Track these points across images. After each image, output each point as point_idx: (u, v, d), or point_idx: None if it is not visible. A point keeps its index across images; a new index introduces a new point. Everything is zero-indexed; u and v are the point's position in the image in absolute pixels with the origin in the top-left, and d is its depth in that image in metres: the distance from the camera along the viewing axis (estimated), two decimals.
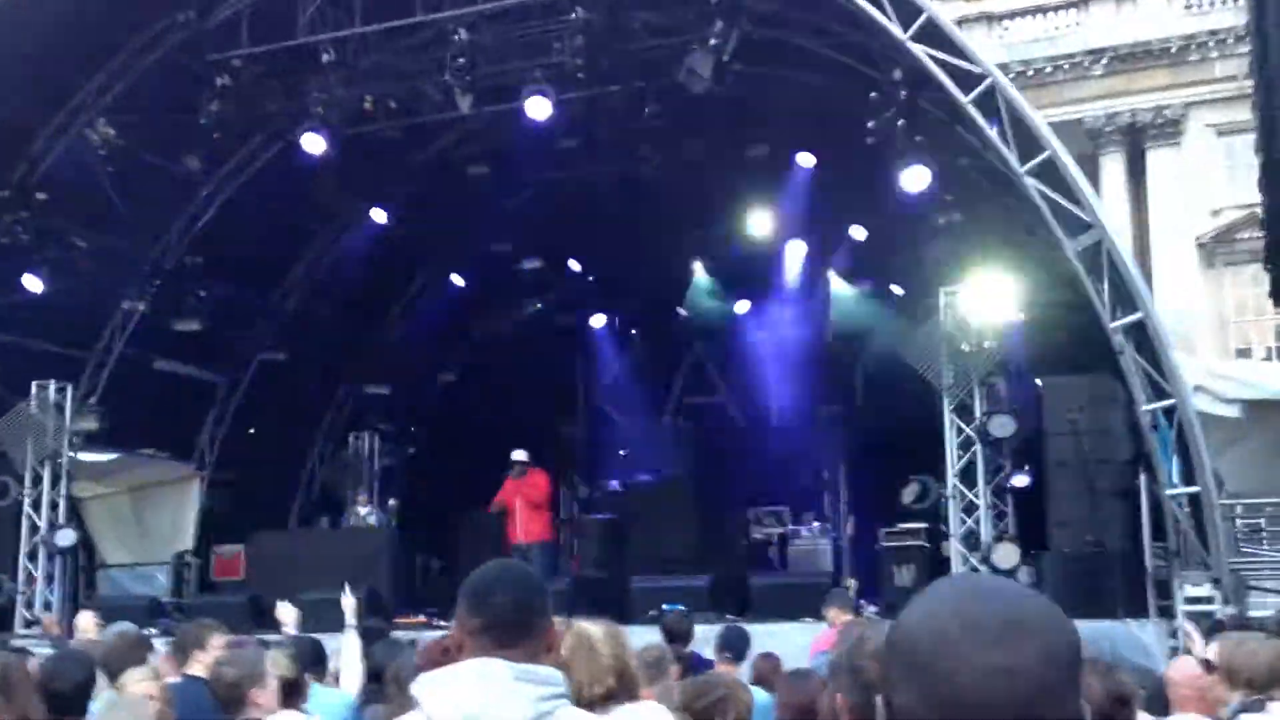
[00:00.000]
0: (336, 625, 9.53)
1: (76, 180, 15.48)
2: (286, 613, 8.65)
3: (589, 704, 3.23)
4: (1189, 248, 27.92)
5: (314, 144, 15.25)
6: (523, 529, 16.47)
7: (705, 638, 9.55)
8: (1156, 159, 28.71)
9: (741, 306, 20.44)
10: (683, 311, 20.83)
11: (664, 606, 11.64)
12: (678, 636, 8.05)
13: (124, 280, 17.24)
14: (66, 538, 15.66)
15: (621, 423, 21.50)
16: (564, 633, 3.29)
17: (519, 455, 16.89)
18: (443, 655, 5.79)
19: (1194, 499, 11.50)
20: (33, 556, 15.62)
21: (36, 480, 15.75)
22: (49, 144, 15.69)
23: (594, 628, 3.53)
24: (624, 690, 3.47)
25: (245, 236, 17.48)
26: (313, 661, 6.42)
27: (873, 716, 1.44)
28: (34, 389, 15.74)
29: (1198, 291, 27.57)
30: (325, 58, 14.66)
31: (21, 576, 15.53)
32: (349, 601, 8.46)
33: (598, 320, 21.65)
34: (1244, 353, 25.37)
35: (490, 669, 2.56)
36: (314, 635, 7.66)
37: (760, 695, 5.11)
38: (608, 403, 21.97)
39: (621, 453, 20.12)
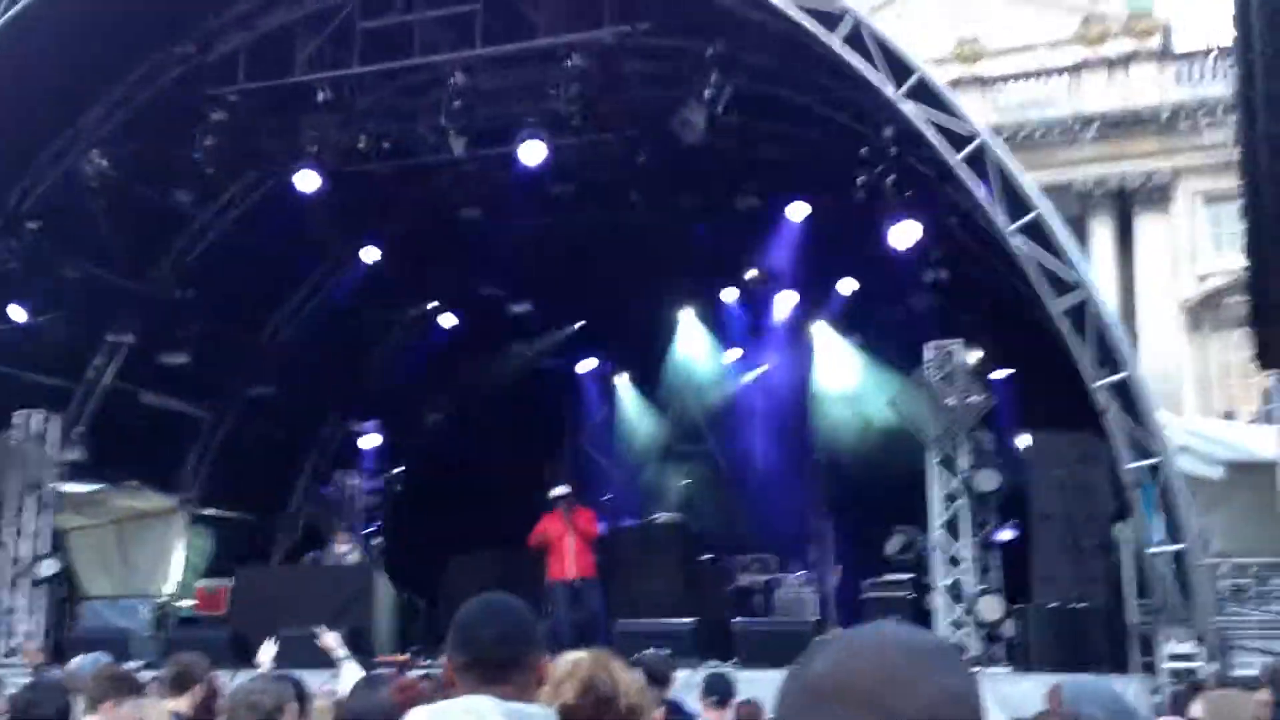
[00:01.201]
0: (319, 662, 9.50)
1: (68, 211, 15.49)
2: (266, 652, 8.63)
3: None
4: (1175, 311, 28.14)
5: (307, 181, 15.32)
6: (577, 564, 15.77)
7: (689, 682, 9.47)
8: (1145, 224, 28.99)
9: (730, 355, 20.51)
10: (666, 360, 20.87)
11: (650, 650, 11.56)
12: (657, 680, 7.92)
13: (112, 312, 17.23)
14: (48, 568, 15.59)
15: (607, 467, 21.50)
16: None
17: (562, 490, 16.11)
18: (411, 693, 5.81)
19: (1178, 557, 11.54)
20: (14, 586, 15.52)
21: (20, 510, 15.67)
22: (42, 174, 15.72)
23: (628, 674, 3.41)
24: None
25: (236, 272, 17.50)
26: (296, 699, 6.41)
27: None
28: (19, 419, 15.69)
29: (1183, 354, 27.77)
30: (321, 96, 14.74)
31: (3, 606, 15.41)
32: (329, 639, 8.43)
33: (586, 365, 21.68)
34: (1229, 415, 25.45)
35: (478, 706, 2.56)
36: (296, 672, 7.64)
37: None
38: (594, 447, 21.96)
39: (606, 497, 20.08)
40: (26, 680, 7.63)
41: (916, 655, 1.38)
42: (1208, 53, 29.22)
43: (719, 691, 7.63)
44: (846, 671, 1.37)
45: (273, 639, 8.79)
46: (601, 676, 3.06)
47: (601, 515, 18.47)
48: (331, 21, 14.64)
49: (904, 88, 12.27)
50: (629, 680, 3.19)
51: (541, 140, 14.53)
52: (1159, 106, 28.82)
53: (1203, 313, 28.00)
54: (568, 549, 15.75)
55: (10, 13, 13.65)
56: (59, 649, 15.25)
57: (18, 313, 15.67)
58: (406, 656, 14.03)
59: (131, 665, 10.10)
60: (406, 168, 16.38)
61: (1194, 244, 28.32)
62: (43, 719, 4.98)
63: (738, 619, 15.08)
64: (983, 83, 30.96)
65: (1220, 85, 27.28)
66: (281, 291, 19.29)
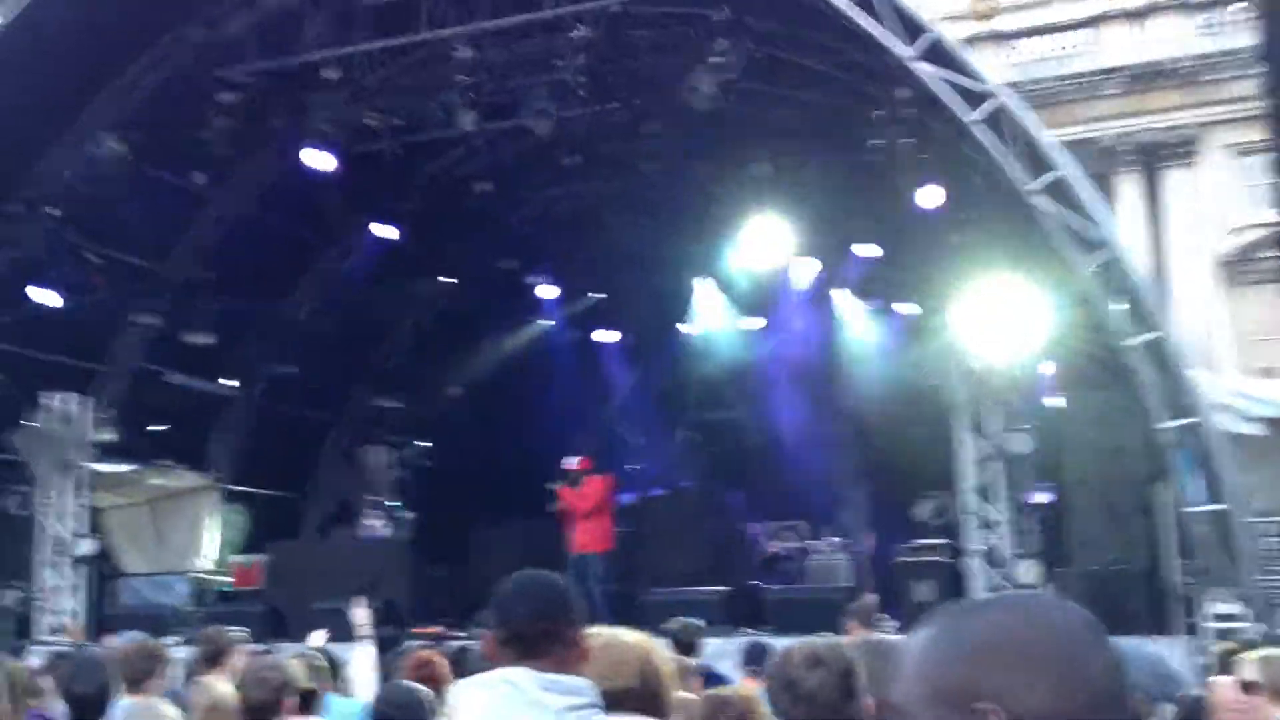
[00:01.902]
0: (352, 635, 9.51)
1: (87, 195, 15.56)
2: (316, 640, 8.61)
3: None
4: (1208, 267, 27.79)
5: (319, 160, 15.30)
6: (576, 539, 15.78)
7: (722, 650, 9.43)
8: (1172, 179, 28.61)
9: (752, 322, 20.39)
10: (685, 329, 20.79)
11: (681, 618, 11.53)
12: (685, 647, 7.89)
13: (135, 294, 17.32)
14: (86, 547, 15.80)
15: (633, 438, 21.47)
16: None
17: (568, 463, 16.08)
18: (424, 667, 5.81)
19: (1219, 517, 11.38)
20: (53, 566, 15.70)
21: (56, 491, 15.83)
22: (59, 159, 15.76)
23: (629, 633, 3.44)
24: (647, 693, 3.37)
25: (254, 251, 17.55)
26: (329, 671, 6.47)
27: None
28: (50, 401, 15.81)
29: (1218, 311, 27.43)
30: (330, 75, 14.70)
31: (43, 586, 15.58)
32: (359, 613, 8.44)
33: (607, 336, 21.63)
34: (1267, 371, 25.15)
35: (517, 678, 2.61)
36: (329, 646, 7.70)
37: None
38: (619, 417, 21.94)
39: (634, 467, 20.06)
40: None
41: (1091, 626, 1.37)
42: (1230, 1, 28.76)
43: (758, 659, 7.59)
44: (1025, 635, 1.34)
45: (324, 630, 8.76)
46: (654, 664, 3.09)
47: (627, 485, 18.41)
48: None
49: (917, 48, 12.09)
50: (671, 666, 3.24)
51: (549, 112, 14.41)
52: (1182, 58, 28.39)
53: (1236, 268, 27.65)
54: (572, 524, 15.79)
55: (20, 2, 13.62)
56: (100, 626, 15.46)
57: (44, 297, 15.81)
58: (439, 629, 14.07)
59: (169, 641, 10.17)
60: (417, 143, 16.33)
61: (1225, 198, 27.93)
62: (84, 695, 5.08)
63: (770, 587, 15.04)
64: (999, 38, 30.56)
65: (1244, 35, 26.86)
66: (299, 269, 19.32)
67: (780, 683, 3.14)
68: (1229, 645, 8.40)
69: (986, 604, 1.45)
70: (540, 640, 2.67)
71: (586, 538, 15.76)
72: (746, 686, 6.25)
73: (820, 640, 3.56)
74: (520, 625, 2.71)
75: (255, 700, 4.89)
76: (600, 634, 3.23)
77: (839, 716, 3.12)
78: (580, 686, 2.61)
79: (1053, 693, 1.31)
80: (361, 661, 7.44)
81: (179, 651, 7.87)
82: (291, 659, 5.89)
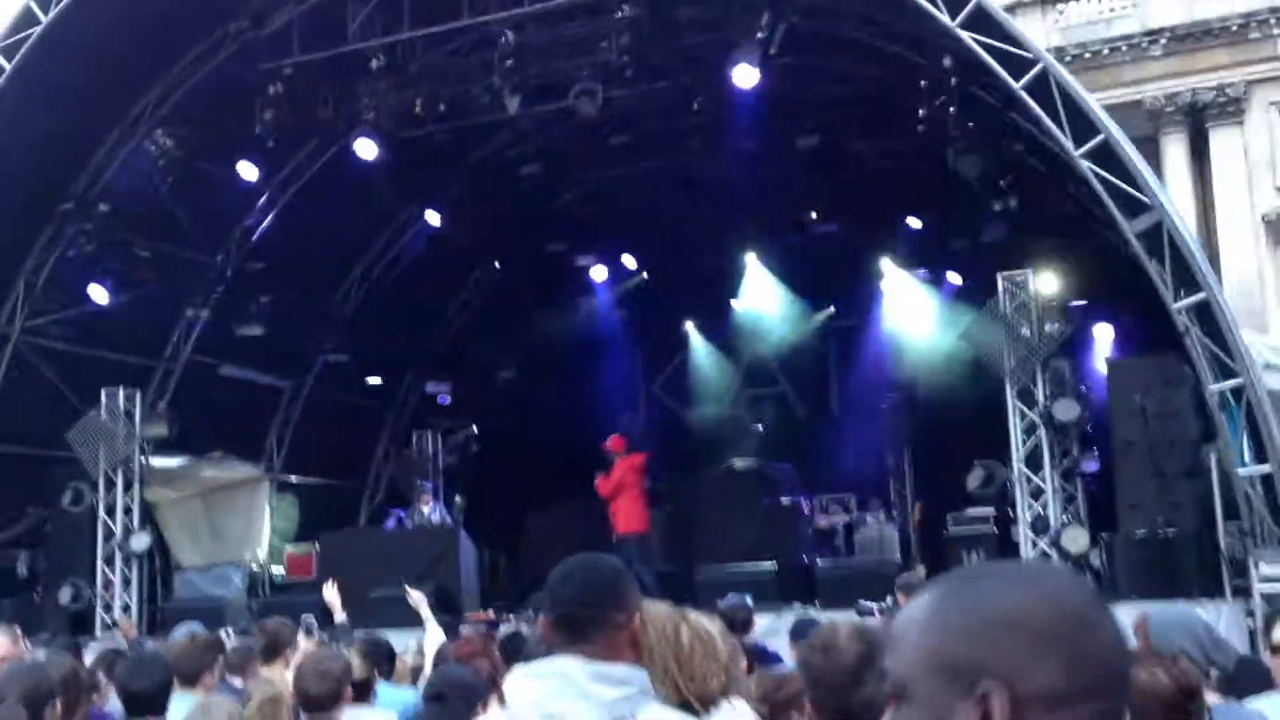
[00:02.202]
0: (406, 621, 9.66)
1: (137, 191, 15.74)
2: (330, 593, 8.80)
3: (700, 698, 3.23)
4: (1256, 226, 27.42)
5: (366, 149, 15.41)
6: (616, 522, 15.83)
7: (773, 628, 9.47)
8: (1219, 138, 28.19)
9: (798, 296, 20.36)
10: (737, 305, 20.80)
11: (730, 596, 11.65)
12: (737, 626, 7.94)
13: (187, 288, 17.54)
14: (141, 541, 15.95)
15: (682, 415, 21.50)
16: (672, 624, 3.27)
17: (607, 445, 16.16)
18: (467, 649, 5.89)
19: (1267, 478, 11.31)
20: (109, 561, 15.91)
21: (109, 486, 16.04)
22: (109, 156, 15.96)
23: (711, 624, 3.45)
24: (729, 689, 3.45)
25: (303, 241, 17.68)
26: (383, 659, 6.54)
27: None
28: (104, 396, 16.02)
29: (1266, 269, 27.08)
30: (375, 63, 14.77)
31: (99, 581, 15.81)
32: (416, 596, 8.57)
33: (655, 314, 21.65)
34: None
35: (568, 669, 2.61)
36: (383, 632, 7.80)
37: None
38: (668, 395, 21.98)
39: (683, 444, 20.10)
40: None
41: (1097, 602, 1.34)
42: None
43: (807, 635, 7.60)
44: (1036, 612, 1.30)
45: (361, 600, 8.94)
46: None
47: (663, 463, 18.31)
48: None
49: (960, 16, 12.01)
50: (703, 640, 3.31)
51: (595, 93, 14.43)
52: (1228, 16, 27.94)
53: None
54: (612, 508, 15.87)
55: (65, 1, 13.79)
56: (155, 620, 15.69)
57: (99, 293, 16.03)
58: (490, 614, 14.20)
59: (225, 632, 10.34)
60: (464, 129, 16.36)
61: (1272, 155, 27.52)
62: (142, 691, 5.04)
63: (821, 561, 15.05)
64: (1044, 3, 30.20)
65: None
66: (349, 258, 19.45)
67: (821, 654, 3.19)
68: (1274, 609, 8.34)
69: (992, 573, 1.38)
70: (587, 625, 2.68)
71: (618, 520, 15.86)
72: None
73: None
74: (568, 609, 2.73)
75: (317, 692, 4.92)
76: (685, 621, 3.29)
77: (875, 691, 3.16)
78: (630, 676, 2.62)
79: (1061, 672, 1.27)
80: (434, 641, 7.56)
81: (233, 643, 7.95)
82: (347, 649, 5.97)
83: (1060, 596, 1.32)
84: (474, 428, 20.85)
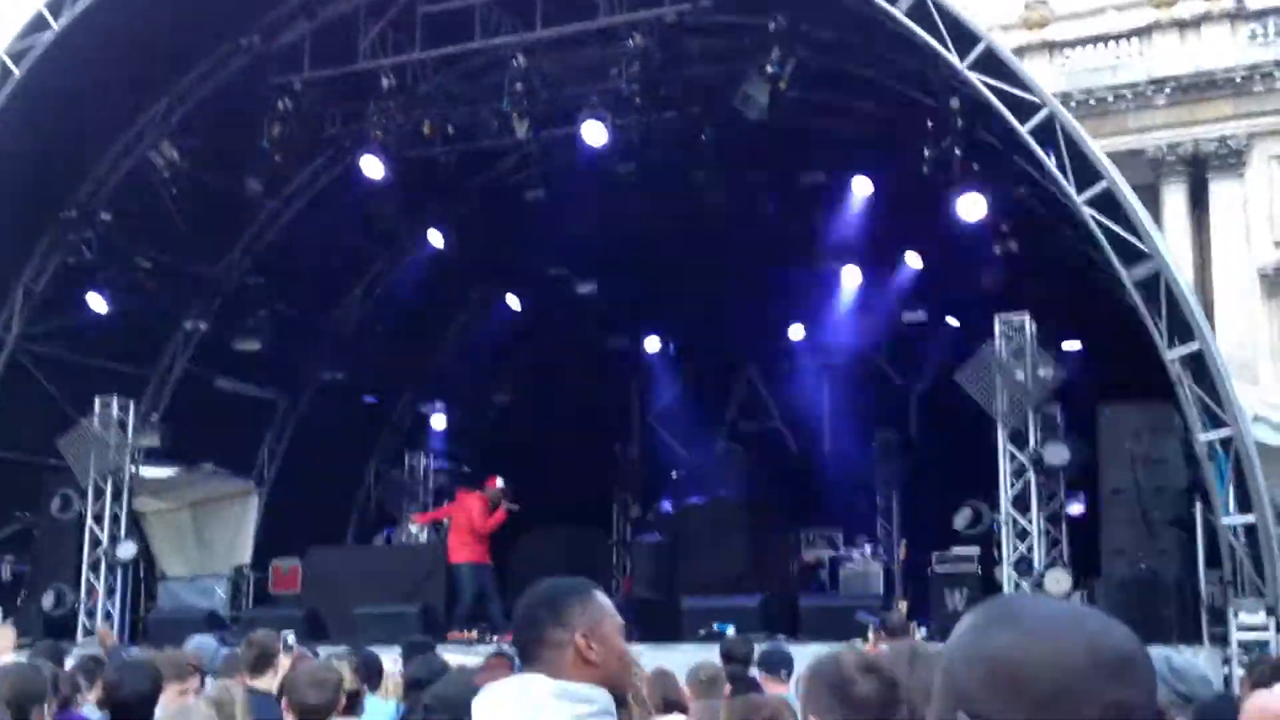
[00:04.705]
0: (389, 638, 9.72)
1: (140, 201, 15.79)
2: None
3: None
4: (1252, 278, 27.53)
5: (373, 167, 15.48)
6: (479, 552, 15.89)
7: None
8: (1219, 189, 28.34)
9: (796, 331, 20.41)
10: (730, 338, 20.76)
11: (715, 626, 11.69)
12: (737, 659, 8.17)
13: (186, 300, 17.56)
14: (127, 550, 15.91)
15: (675, 445, 21.53)
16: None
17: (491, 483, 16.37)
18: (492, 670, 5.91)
19: (1250, 528, 11.38)
20: (94, 569, 15.88)
21: (98, 494, 16.01)
22: (114, 166, 16.02)
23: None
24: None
25: (305, 258, 17.74)
26: (372, 674, 6.69)
27: None
28: (97, 405, 16.02)
29: (1260, 322, 27.17)
30: (385, 83, 14.87)
31: (83, 588, 15.78)
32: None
33: (652, 344, 21.68)
34: None
35: (532, 686, 2.65)
36: (370, 647, 7.86)
37: None
38: (661, 425, 21.99)
39: (674, 474, 20.11)
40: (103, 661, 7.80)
41: (1102, 663, 1.29)
42: None
43: (773, 665, 7.79)
44: (1029, 666, 1.28)
45: (346, 616, 9.01)
46: None
47: (667, 493, 18.42)
48: (393, 7, 14.74)
49: (969, 58, 12.10)
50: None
51: (603, 121, 14.53)
52: (1233, 68, 28.14)
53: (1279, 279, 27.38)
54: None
55: (77, 8, 13.87)
56: (137, 629, 15.66)
57: (96, 301, 16.05)
58: (474, 634, 14.20)
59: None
60: (470, 151, 16.46)
61: (1271, 209, 27.66)
62: (127, 698, 5.09)
63: (805, 598, 15.05)
64: (1051, 48, 30.40)
65: None
66: (350, 276, 19.49)
67: (830, 687, 3.20)
68: (1251, 656, 8.38)
69: (1027, 610, 1.36)
70: (529, 645, 2.73)
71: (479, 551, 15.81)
72: (777, 692, 6.37)
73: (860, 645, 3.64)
74: (516, 632, 2.82)
75: (313, 702, 4.95)
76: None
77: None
78: (592, 695, 2.64)
79: None
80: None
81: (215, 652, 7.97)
82: (336, 661, 6.02)
83: (1059, 654, 1.30)
84: (465, 450, 20.84)
